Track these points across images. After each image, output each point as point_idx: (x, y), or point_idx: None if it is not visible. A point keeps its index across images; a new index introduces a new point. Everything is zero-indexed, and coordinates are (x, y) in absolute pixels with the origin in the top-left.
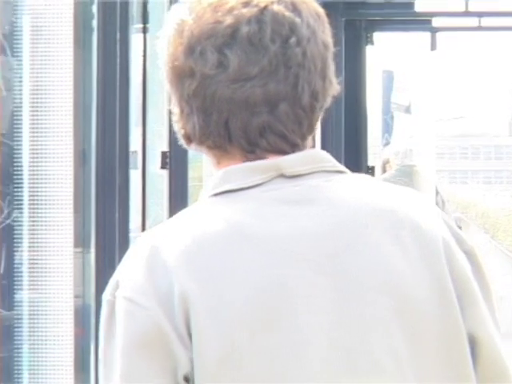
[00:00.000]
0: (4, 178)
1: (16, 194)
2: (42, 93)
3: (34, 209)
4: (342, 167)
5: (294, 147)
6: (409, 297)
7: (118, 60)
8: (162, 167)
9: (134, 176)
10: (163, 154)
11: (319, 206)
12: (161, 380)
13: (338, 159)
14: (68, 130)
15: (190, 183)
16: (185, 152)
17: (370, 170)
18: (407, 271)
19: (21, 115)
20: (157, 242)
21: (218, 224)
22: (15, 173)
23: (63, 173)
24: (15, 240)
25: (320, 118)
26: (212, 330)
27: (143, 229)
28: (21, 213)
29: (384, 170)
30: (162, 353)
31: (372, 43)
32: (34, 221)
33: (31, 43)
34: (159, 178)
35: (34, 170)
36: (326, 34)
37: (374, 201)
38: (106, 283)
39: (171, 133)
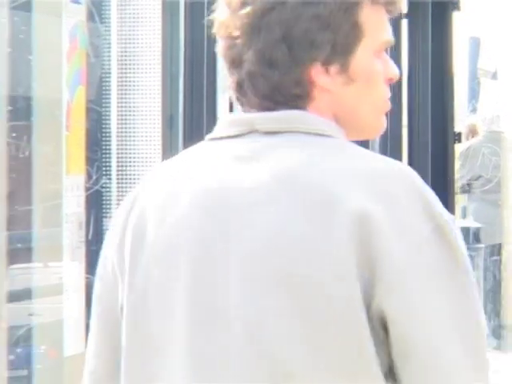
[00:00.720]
0: (92, 145)
1: (104, 160)
2: (130, 59)
3: (122, 175)
4: (320, 129)
5: (277, 105)
6: (295, 269)
7: (206, 24)
8: None
9: None
10: None
11: (259, 165)
12: None
13: (425, 125)
14: (156, 95)
15: None
16: None
17: (457, 137)
18: (298, 242)
19: (109, 81)
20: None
21: (178, 165)
22: (103, 139)
23: (151, 139)
24: (103, 206)
25: (308, 80)
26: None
27: None
28: (109, 179)
29: (471, 137)
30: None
31: (459, 9)
32: (122, 187)
33: (119, 9)
34: None
35: (121, 136)
36: (298, 3)
37: (302, 169)
38: None
39: None
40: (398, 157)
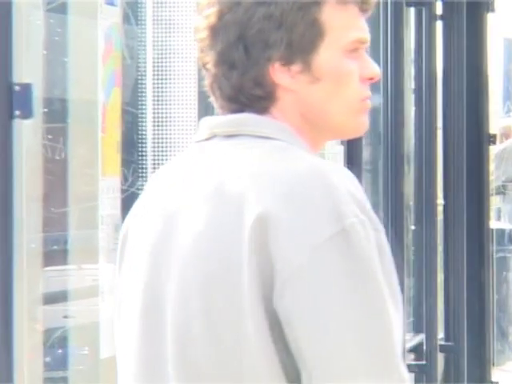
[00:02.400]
0: (128, 146)
1: (140, 162)
2: (166, 60)
3: None
4: (263, 132)
5: (243, 107)
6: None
7: None
8: None
9: None
10: None
11: (206, 172)
12: None
13: (459, 127)
14: (192, 97)
15: None
16: None
17: (492, 138)
18: (211, 243)
19: (144, 83)
20: None
21: (163, 173)
22: (139, 141)
23: (187, 140)
24: None
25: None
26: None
27: None
28: (145, 181)
29: (506, 138)
30: None
31: (493, 10)
32: None
33: (154, 11)
34: None
35: (157, 138)
36: (251, 3)
37: (230, 176)
38: None
39: None
40: (433, 159)
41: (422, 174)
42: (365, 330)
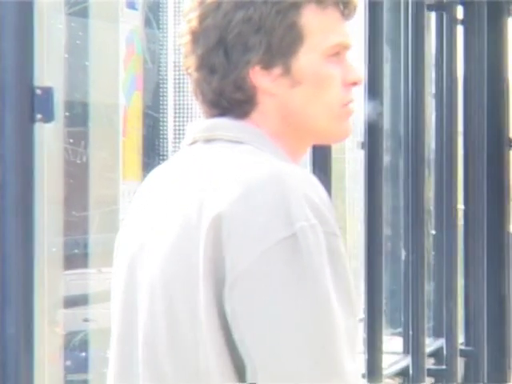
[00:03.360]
0: (149, 150)
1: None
2: None
3: None
4: (235, 136)
5: (225, 112)
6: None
7: None
8: None
9: None
10: None
11: (177, 176)
12: None
13: (480, 132)
14: None
15: (333, 155)
16: None
17: None
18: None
19: (165, 87)
20: None
21: (149, 177)
22: (160, 144)
23: None
24: None
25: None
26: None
27: None
28: None
29: None
30: None
31: None
32: None
33: (176, 15)
34: None
35: (178, 142)
36: (230, 7)
37: (197, 181)
38: None
39: None
40: (453, 163)
41: (442, 179)
42: (307, 333)
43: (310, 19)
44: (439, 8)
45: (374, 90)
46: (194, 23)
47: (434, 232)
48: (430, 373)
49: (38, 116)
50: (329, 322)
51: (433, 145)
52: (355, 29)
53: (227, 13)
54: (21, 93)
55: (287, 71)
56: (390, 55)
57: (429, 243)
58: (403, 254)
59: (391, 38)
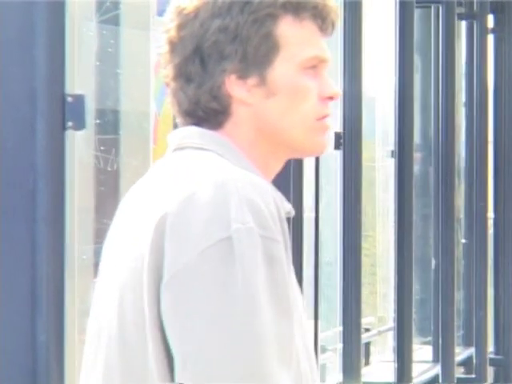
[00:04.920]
0: None
1: None
2: None
3: None
4: (202, 144)
5: (200, 122)
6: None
7: None
8: (336, 148)
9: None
10: (336, 134)
11: (147, 182)
12: None
13: (511, 140)
14: None
15: (363, 163)
16: (358, 132)
17: None
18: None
19: None
20: None
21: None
22: None
23: None
24: None
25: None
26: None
27: (316, 209)
28: None
29: None
30: None
31: None
32: None
33: None
34: (332, 159)
35: None
36: (207, 17)
37: (156, 185)
38: None
39: (345, 113)
40: (484, 172)
41: (472, 188)
42: (231, 336)
43: (287, 30)
44: (470, 17)
45: (404, 99)
46: (172, 33)
47: (464, 241)
48: (460, 382)
49: (69, 124)
50: (255, 326)
51: (463, 153)
52: (386, 38)
53: (204, 22)
54: (52, 100)
55: (262, 81)
56: (421, 64)
57: (459, 252)
58: (433, 262)
59: (422, 48)
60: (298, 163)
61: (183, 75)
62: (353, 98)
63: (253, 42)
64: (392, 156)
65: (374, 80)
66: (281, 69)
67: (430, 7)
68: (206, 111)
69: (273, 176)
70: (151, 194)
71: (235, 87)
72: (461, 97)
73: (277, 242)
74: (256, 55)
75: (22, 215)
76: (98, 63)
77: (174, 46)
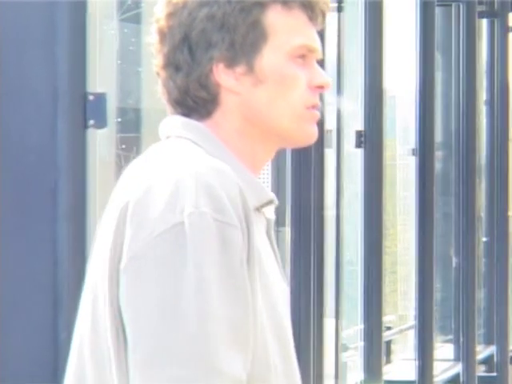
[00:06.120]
0: None
1: None
2: None
3: None
4: (181, 133)
5: (190, 112)
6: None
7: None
8: (357, 146)
9: (329, 155)
10: (358, 132)
11: (129, 173)
12: None
13: None
14: None
15: (384, 162)
16: (380, 131)
17: None
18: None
19: None
20: None
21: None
22: None
23: None
24: None
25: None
26: None
27: (337, 207)
28: None
29: None
30: None
31: None
32: None
33: None
34: (354, 157)
35: None
36: (195, 5)
37: (131, 174)
38: (301, 260)
39: (366, 112)
40: (505, 170)
41: (493, 186)
42: (178, 320)
43: (275, 19)
44: (491, 15)
45: (425, 97)
46: (162, 22)
47: (485, 239)
48: (481, 380)
49: (91, 122)
50: (203, 308)
51: (484, 152)
52: (407, 37)
53: (192, 11)
54: (73, 99)
55: (250, 69)
56: (442, 63)
57: (480, 250)
58: (454, 260)
59: (443, 46)
60: (320, 161)
61: (172, 64)
62: (374, 96)
63: (240, 30)
64: (413, 154)
65: (395, 78)
66: (269, 57)
67: (451, 5)
68: (195, 100)
69: (262, 165)
70: (124, 184)
71: (223, 76)
72: (482, 95)
73: (233, 227)
74: (243, 43)
75: (44, 213)
76: (119, 62)
77: (163, 35)
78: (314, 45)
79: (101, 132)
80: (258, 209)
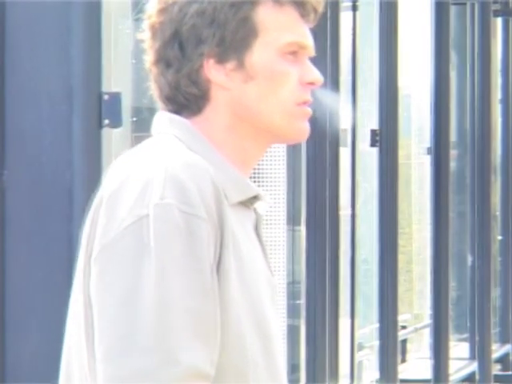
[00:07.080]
0: None
1: None
2: None
3: None
4: (167, 130)
5: (180, 109)
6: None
7: (329, 38)
8: (372, 145)
9: (344, 154)
10: (373, 131)
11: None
12: None
13: None
14: None
15: (399, 161)
16: (395, 130)
17: None
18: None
19: None
20: None
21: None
22: None
23: (275, 151)
24: None
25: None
26: None
27: (352, 206)
28: None
29: None
30: None
31: None
32: None
33: None
34: (369, 156)
35: None
36: (186, 1)
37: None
38: (315, 259)
39: (381, 111)
40: None
41: (509, 184)
42: (139, 311)
43: (266, 15)
44: (505, 13)
45: (440, 96)
46: (153, 18)
47: (500, 237)
48: (497, 378)
49: (106, 121)
50: (163, 299)
51: (499, 150)
52: (422, 36)
53: (182, 7)
54: (88, 98)
55: (241, 65)
56: (457, 61)
57: (495, 249)
58: (470, 259)
59: (457, 44)
60: (335, 161)
61: (163, 60)
62: (389, 95)
63: (230, 26)
64: (428, 153)
65: (410, 77)
66: (259, 53)
67: (466, 4)
68: (186, 96)
69: (253, 162)
70: (107, 178)
71: (213, 71)
72: (497, 93)
73: (201, 219)
74: (233, 39)
75: (59, 213)
76: (134, 61)
77: (154, 31)
78: (305, 41)
79: (116, 131)
80: (246, 204)
